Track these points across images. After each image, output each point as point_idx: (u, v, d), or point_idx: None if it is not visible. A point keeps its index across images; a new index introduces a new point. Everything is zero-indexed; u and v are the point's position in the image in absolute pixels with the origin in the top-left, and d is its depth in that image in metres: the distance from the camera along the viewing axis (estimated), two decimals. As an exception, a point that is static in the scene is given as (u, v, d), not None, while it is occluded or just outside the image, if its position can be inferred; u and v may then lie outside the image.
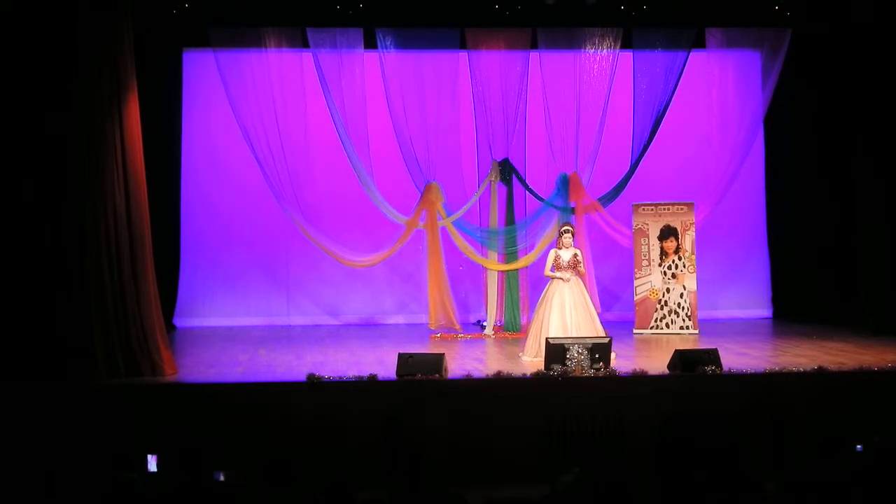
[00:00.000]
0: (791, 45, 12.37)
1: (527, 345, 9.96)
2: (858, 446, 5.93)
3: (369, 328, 12.88)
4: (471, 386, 8.41)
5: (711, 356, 8.71)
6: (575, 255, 9.85)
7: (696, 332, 11.90)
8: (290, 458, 5.60)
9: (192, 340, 11.57)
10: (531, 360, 9.50)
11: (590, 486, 5.07)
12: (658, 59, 12.28)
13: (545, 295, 9.90)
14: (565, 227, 10.07)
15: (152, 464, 5.97)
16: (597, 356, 8.60)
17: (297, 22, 11.91)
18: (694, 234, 12.21)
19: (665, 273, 12.18)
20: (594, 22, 12.16)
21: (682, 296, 12.08)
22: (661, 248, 12.23)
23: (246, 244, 13.30)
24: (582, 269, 9.95)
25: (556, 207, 12.08)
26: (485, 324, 12.19)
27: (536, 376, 8.50)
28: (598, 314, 10.18)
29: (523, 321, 11.90)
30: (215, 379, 8.78)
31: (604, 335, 9.22)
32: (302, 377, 8.36)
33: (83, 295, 8.53)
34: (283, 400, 8.20)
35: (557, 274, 9.85)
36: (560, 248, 9.92)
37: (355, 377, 8.36)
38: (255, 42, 11.90)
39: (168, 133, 12.66)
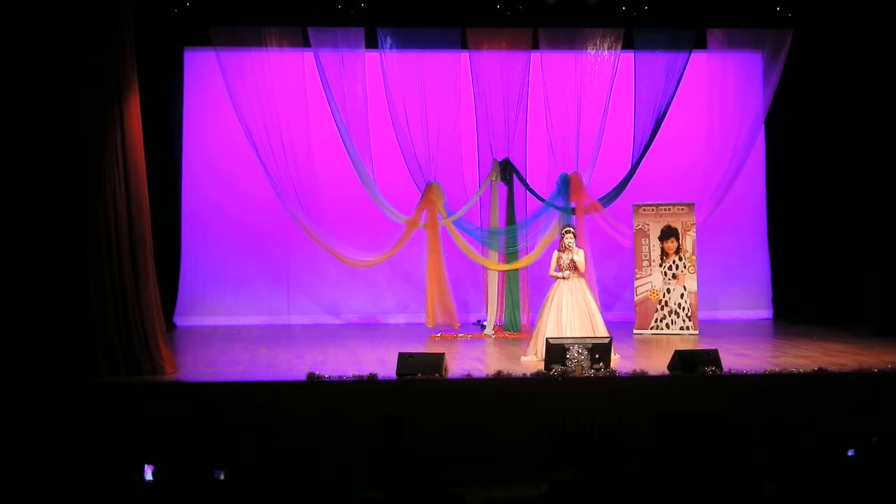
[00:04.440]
0: (792, 46, 12.37)
1: (529, 346, 9.96)
2: (850, 451, 5.90)
3: (370, 327, 12.87)
4: (471, 386, 8.40)
5: (711, 357, 8.71)
6: (572, 258, 9.84)
7: (697, 332, 11.89)
8: (290, 457, 5.61)
9: (192, 339, 11.56)
10: (529, 361, 9.48)
11: (589, 487, 5.08)
12: (659, 59, 12.28)
13: (548, 297, 9.91)
14: (566, 229, 10.06)
15: (148, 474, 5.94)
16: (597, 356, 8.60)
17: (298, 21, 11.92)
18: (695, 234, 12.21)
19: (665, 273, 12.18)
20: (595, 22, 12.16)
21: (682, 296, 12.08)
22: (662, 249, 12.23)
23: (246, 243, 13.31)
24: (581, 267, 9.90)
25: (556, 207, 12.08)
26: (485, 324, 12.18)
27: (536, 376, 8.51)
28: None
29: (523, 321, 11.91)
30: (215, 378, 8.77)
31: (606, 336, 9.21)
32: (302, 376, 8.36)
33: (84, 294, 8.53)
34: (283, 399, 8.19)
35: (560, 274, 9.85)
36: (562, 251, 9.91)
37: (355, 376, 8.36)
38: (257, 41, 11.91)
39: (169, 132, 12.65)
